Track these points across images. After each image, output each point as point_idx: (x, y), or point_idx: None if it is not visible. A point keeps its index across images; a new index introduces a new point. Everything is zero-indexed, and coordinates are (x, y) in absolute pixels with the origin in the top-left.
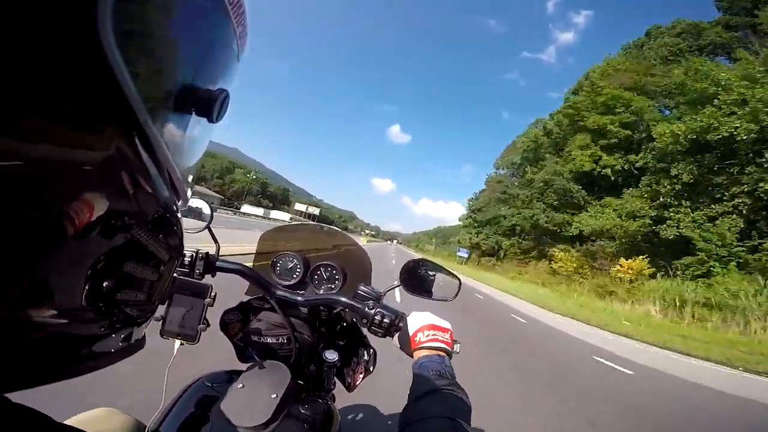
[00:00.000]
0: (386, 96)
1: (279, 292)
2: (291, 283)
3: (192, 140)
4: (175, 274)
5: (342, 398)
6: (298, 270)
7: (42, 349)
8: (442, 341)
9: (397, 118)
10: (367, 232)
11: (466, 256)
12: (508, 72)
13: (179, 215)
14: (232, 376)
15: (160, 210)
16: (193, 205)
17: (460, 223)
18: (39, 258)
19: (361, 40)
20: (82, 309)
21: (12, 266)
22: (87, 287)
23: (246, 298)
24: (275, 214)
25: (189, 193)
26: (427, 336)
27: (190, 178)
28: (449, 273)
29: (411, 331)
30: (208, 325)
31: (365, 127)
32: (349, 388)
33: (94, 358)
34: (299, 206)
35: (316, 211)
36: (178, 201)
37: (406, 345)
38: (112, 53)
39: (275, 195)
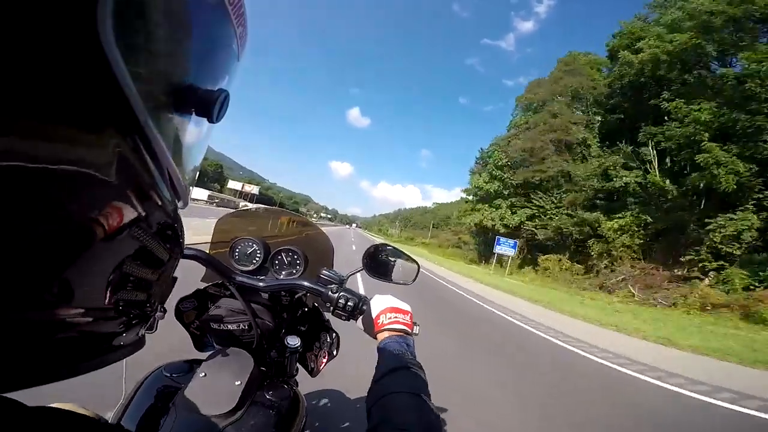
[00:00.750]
0: (346, 79)
1: (240, 278)
2: (251, 268)
3: (192, 141)
4: (175, 277)
5: (308, 384)
6: (258, 255)
7: (68, 346)
8: (402, 323)
9: (357, 101)
10: (322, 215)
11: (513, 250)
12: (468, 58)
13: (180, 216)
14: (192, 365)
15: (160, 210)
16: None
17: (466, 196)
18: (36, 259)
19: (321, 20)
20: (102, 309)
21: (8, 265)
22: (85, 287)
23: (202, 285)
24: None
25: (189, 193)
26: (389, 318)
27: (191, 179)
28: (409, 258)
29: (374, 314)
30: (165, 311)
31: (324, 109)
32: (312, 373)
33: (112, 352)
34: (234, 184)
35: (254, 189)
36: (179, 201)
37: (370, 327)
38: (113, 54)
39: (205, 172)
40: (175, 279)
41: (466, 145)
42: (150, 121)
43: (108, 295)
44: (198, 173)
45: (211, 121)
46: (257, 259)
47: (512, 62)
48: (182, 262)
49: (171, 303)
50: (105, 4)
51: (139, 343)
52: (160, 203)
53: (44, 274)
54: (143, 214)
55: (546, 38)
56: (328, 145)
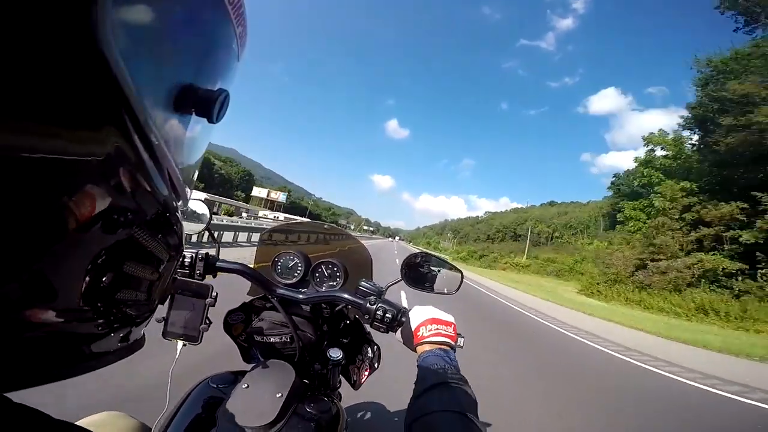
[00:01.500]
0: (382, 90)
1: (280, 291)
2: (292, 281)
3: (192, 140)
4: (176, 275)
5: (348, 397)
6: (299, 268)
7: (40, 349)
8: (445, 335)
9: (394, 112)
10: (364, 228)
11: None
12: (506, 61)
13: (179, 215)
14: (237, 376)
15: (159, 210)
16: (191, 207)
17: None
18: (36, 256)
19: (355, 33)
20: (79, 308)
21: (9, 264)
22: (84, 286)
23: (249, 299)
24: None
25: (189, 193)
26: (430, 330)
27: (191, 179)
28: (451, 266)
29: (414, 326)
30: (210, 323)
31: (363, 123)
32: (355, 385)
33: (93, 357)
34: (258, 191)
35: (280, 197)
36: (178, 201)
37: (410, 340)
38: (112, 53)
39: (227, 179)
40: (174, 279)
41: (510, 152)
42: (150, 121)
43: (109, 294)
44: (197, 173)
45: (211, 121)
46: (299, 272)
47: (554, 62)
48: (230, 276)
49: (219, 316)
50: (104, 4)
51: (139, 343)
52: (159, 203)
53: (32, 272)
54: (143, 214)
55: (587, 34)
56: (369, 159)
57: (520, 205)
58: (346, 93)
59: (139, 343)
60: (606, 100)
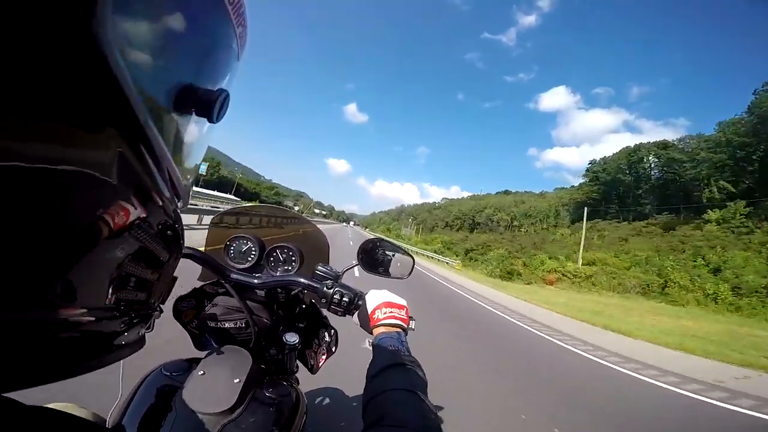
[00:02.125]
0: (343, 73)
1: (235, 276)
2: (246, 266)
3: (192, 140)
4: (175, 277)
5: (307, 382)
6: (253, 252)
7: (70, 346)
8: (398, 318)
9: (354, 96)
10: (315, 211)
11: None
12: (467, 52)
13: (179, 215)
14: (191, 364)
15: (160, 210)
16: None
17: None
18: (36, 257)
19: (316, 14)
20: (104, 308)
21: (10, 265)
22: (110, 288)
23: (199, 284)
24: None
25: (190, 193)
26: (384, 313)
27: (191, 178)
28: (404, 252)
29: (370, 309)
30: (161, 311)
31: (321, 105)
32: (312, 369)
33: (113, 351)
34: None
35: (201, 168)
36: (179, 201)
37: (366, 323)
38: (112, 54)
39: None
40: (175, 279)
41: (463, 142)
42: (150, 121)
43: (109, 294)
44: (198, 173)
45: (211, 121)
46: (252, 256)
47: (512, 57)
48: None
49: (168, 302)
50: (104, 5)
51: (139, 343)
52: (160, 203)
53: (45, 274)
54: (144, 214)
55: (548, 33)
56: (325, 142)
57: (476, 193)
58: (303, 72)
59: (140, 343)
60: (556, 98)
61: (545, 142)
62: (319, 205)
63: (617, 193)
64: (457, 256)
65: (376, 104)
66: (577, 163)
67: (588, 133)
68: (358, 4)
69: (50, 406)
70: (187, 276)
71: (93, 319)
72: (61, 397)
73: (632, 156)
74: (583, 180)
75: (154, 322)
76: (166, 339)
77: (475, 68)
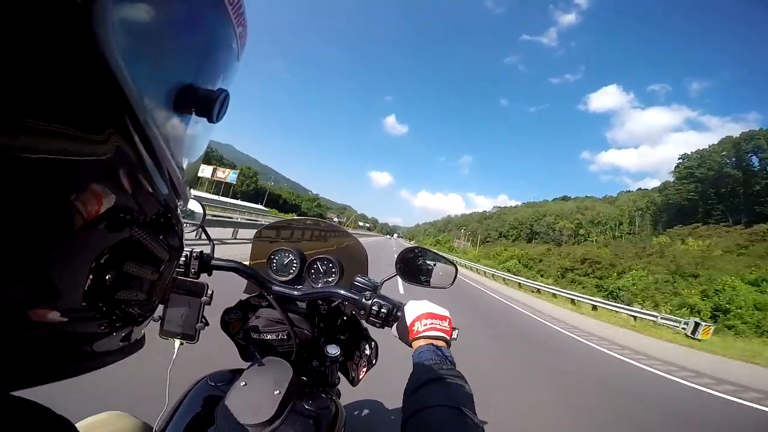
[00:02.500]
0: (381, 86)
1: (276, 288)
2: (288, 278)
3: (192, 140)
4: (174, 277)
5: (346, 394)
6: (295, 265)
7: (42, 348)
8: (440, 329)
9: (392, 108)
10: (360, 224)
11: None
12: (507, 56)
13: (179, 215)
14: (235, 374)
15: (160, 210)
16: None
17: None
18: (39, 257)
19: (354, 28)
20: (82, 308)
21: (13, 264)
22: (87, 286)
23: (245, 297)
24: None
25: (190, 192)
26: (425, 325)
27: (191, 178)
28: (446, 260)
29: (409, 321)
30: (207, 323)
31: (361, 119)
32: (353, 382)
33: (95, 357)
34: (203, 170)
35: (229, 176)
36: (179, 201)
37: (405, 335)
38: (111, 54)
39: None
40: (175, 279)
41: (508, 149)
42: (150, 121)
43: (106, 294)
44: (198, 173)
45: (211, 120)
46: (294, 269)
47: (556, 58)
48: (227, 273)
49: (217, 314)
50: (104, 4)
51: (138, 345)
52: (160, 203)
53: (34, 272)
54: (143, 213)
55: (590, 30)
56: (368, 156)
57: (530, 200)
58: (344, 89)
59: (140, 343)
60: (607, 98)
61: (599, 145)
62: (363, 218)
63: (719, 191)
64: (542, 275)
65: (415, 114)
66: (636, 165)
67: (646, 133)
68: (391, 15)
69: (103, 415)
70: (235, 287)
71: (91, 318)
72: (113, 406)
73: (743, 146)
74: (672, 178)
75: (199, 333)
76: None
77: (517, 72)
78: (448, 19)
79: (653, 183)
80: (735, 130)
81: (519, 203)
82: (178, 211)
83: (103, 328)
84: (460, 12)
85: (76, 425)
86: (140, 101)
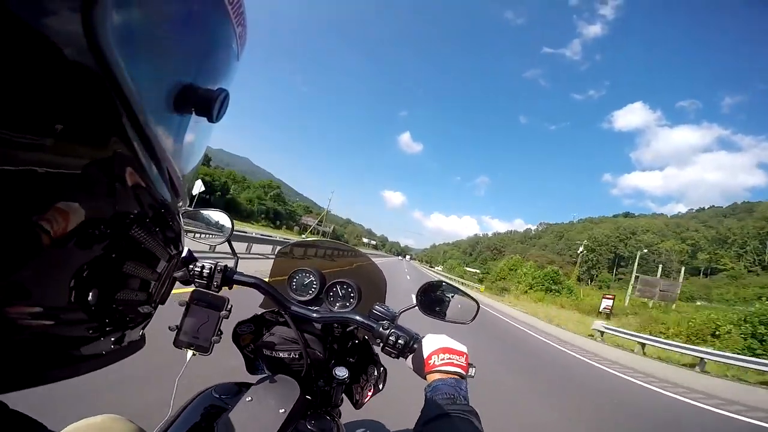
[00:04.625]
0: (396, 100)
1: (294, 308)
2: (306, 299)
3: (192, 140)
4: (194, 286)
5: (348, 414)
6: (314, 286)
7: (27, 351)
8: (456, 365)
9: (407, 124)
10: (364, 241)
11: None
12: (527, 70)
13: (179, 215)
14: (241, 388)
15: (159, 210)
16: (214, 219)
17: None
18: (26, 257)
19: (370, 40)
20: (68, 310)
21: (5, 264)
22: (75, 289)
23: (260, 311)
24: None
25: (190, 192)
26: (441, 359)
27: (191, 178)
28: (467, 296)
29: (425, 354)
30: (221, 335)
31: (375, 136)
32: (357, 405)
33: (85, 360)
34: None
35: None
36: (178, 201)
37: (420, 367)
38: (111, 54)
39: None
40: (174, 280)
41: (527, 171)
42: (149, 121)
43: (104, 295)
44: (197, 173)
45: (211, 120)
46: (313, 290)
47: (579, 73)
48: (243, 288)
49: (230, 326)
50: (104, 4)
51: (136, 346)
52: (160, 203)
53: (23, 273)
54: (142, 213)
55: (616, 43)
56: (381, 174)
57: (582, 217)
58: (359, 103)
59: (138, 345)
60: (632, 116)
61: (622, 167)
62: (370, 233)
63: None
64: None
65: (430, 132)
66: (661, 188)
67: (673, 154)
68: (408, 26)
69: (98, 418)
70: (250, 302)
71: (79, 321)
72: (111, 410)
73: None
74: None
75: (213, 346)
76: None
77: (538, 87)
78: (466, 30)
79: (678, 208)
80: None
81: (569, 220)
82: (178, 212)
83: (90, 331)
84: (479, 23)
85: (69, 427)
86: (140, 101)
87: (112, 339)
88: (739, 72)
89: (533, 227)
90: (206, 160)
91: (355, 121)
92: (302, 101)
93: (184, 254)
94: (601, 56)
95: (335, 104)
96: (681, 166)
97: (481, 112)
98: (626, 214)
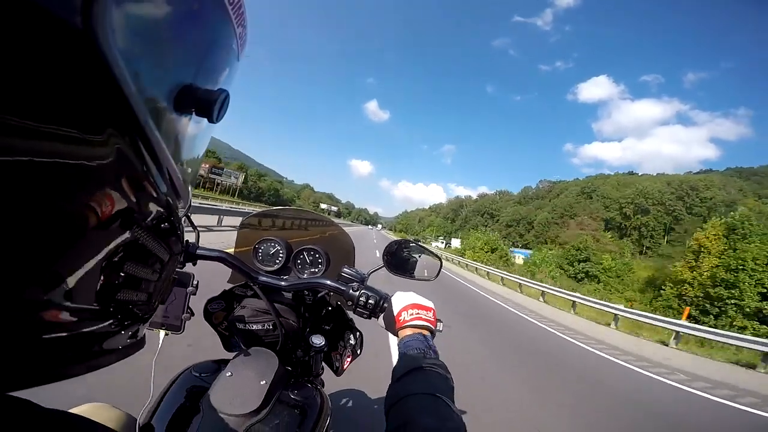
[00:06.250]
0: (363, 67)
1: (262, 278)
2: (274, 268)
3: (192, 140)
4: (174, 277)
5: (330, 384)
6: (281, 255)
7: (55, 348)
8: (425, 320)
9: (374, 92)
10: (323, 207)
11: None
12: (497, 39)
13: (180, 215)
14: (220, 365)
15: (160, 210)
16: None
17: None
18: (49, 259)
19: (334, 3)
20: (92, 308)
21: (26, 267)
22: (98, 287)
23: (229, 287)
24: None
25: (190, 192)
26: (411, 315)
27: (191, 178)
28: (431, 253)
29: (395, 311)
30: (192, 314)
31: (342, 104)
32: (338, 372)
33: (105, 354)
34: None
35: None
36: (179, 201)
37: (391, 325)
38: (112, 54)
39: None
40: (174, 279)
41: (491, 140)
42: (150, 121)
43: (106, 294)
44: (197, 173)
45: (211, 120)
46: (280, 259)
47: (548, 44)
48: (210, 263)
49: (200, 304)
50: (104, 4)
51: (139, 345)
52: (160, 203)
53: (34, 271)
54: (143, 213)
55: (588, 14)
56: (348, 143)
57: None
58: (325, 70)
59: (141, 343)
60: (596, 88)
61: (583, 137)
62: (330, 198)
63: None
64: None
65: (398, 100)
66: (619, 159)
67: (634, 126)
68: None
69: (85, 406)
70: (218, 278)
71: (85, 319)
72: (95, 398)
73: None
74: None
75: (184, 323)
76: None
77: (507, 56)
78: None
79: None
80: (723, 125)
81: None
82: (179, 212)
83: (113, 326)
84: None
85: (57, 410)
86: (141, 102)
87: (129, 333)
88: (706, 48)
89: (533, 186)
90: None
91: (321, 88)
92: (260, 69)
93: None
94: (572, 27)
95: (297, 72)
96: (641, 137)
97: (449, 80)
98: (631, 173)
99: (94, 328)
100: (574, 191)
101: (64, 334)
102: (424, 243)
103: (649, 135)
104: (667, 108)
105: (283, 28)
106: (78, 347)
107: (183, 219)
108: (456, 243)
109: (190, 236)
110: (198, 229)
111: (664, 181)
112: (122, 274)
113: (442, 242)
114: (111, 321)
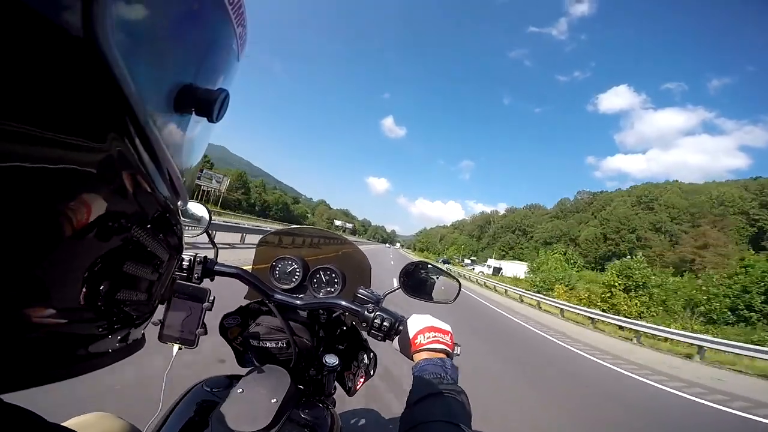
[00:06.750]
0: (378, 81)
1: (278, 296)
2: (290, 286)
3: (192, 140)
4: (175, 277)
5: (343, 402)
6: (297, 273)
7: (39, 350)
8: (442, 343)
9: (390, 108)
10: (337, 224)
11: None
12: (512, 50)
13: (179, 215)
14: (232, 380)
15: (159, 210)
16: (191, 210)
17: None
18: (38, 258)
19: (350, 20)
20: (80, 309)
21: (11, 265)
22: (85, 287)
23: (245, 302)
24: None
25: (190, 192)
26: (427, 338)
27: (191, 178)
28: (449, 276)
29: (411, 334)
30: (206, 332)
31: (358, 122)
32: (350, 392)
33: (92, 358)
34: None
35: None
36: (178, 201)
37: (407, 348)
38: (112, 54)
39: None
40: (174, 279)
41: (510, 154)
42: (150, 121)
43: (106, 295)
44: (197, 173)
45: (211, 120)
46: (297, 277)
47: (565, 54)
48: (228, 279)
49: (216, 318)
50: (104, 4)
51: (137, 345)
52: (160, 204)
53: (34, 274)
54: (143, 214)
55: (604, 22)
56: (365, 160)
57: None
58: (342, 86)
59: (139, 344)
60: (617, 98)
61: (606, 150)
62: (345, 215)
63: None
64: None
65: (414, 115)
66: (643, 171)
67: (657, 137)
68: (388, 6)
69: (89, 415)
70: (235, 294)
71: (89, 320)
72: (102, 407)
73: None
74: None
75: (198, 338)
76: None
77: (523, 68)
78: (451, 9)
79: None
80: (752, 132)
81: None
82: (178, 212)
83: (100, 329)
84: (465, 1)
85: (59, 425)
86: (141, 102)
87: (119, 337)
88: (729, 53)
89: (570, 198)
90: None
91: (338, 105)
92: (281, 87)
93: None
94: (588, 36)
95: (316, 89)
96: (666, 148)
97: (466, 94)
98: (675, 182)
99: (80, 330)
100: (627, 201)
101: (46, 334)
102: (452, 265)
103: (674, 145)
104: (692, 116)
105: (299, 38)
106: (64, 349)
107: (183, 221)
108: (513, 268)
109: (209, 253)
110: (217, 246)
111: (740, 186)
112: (115, 276)
113: (484, 265)
114: (99, 324)
